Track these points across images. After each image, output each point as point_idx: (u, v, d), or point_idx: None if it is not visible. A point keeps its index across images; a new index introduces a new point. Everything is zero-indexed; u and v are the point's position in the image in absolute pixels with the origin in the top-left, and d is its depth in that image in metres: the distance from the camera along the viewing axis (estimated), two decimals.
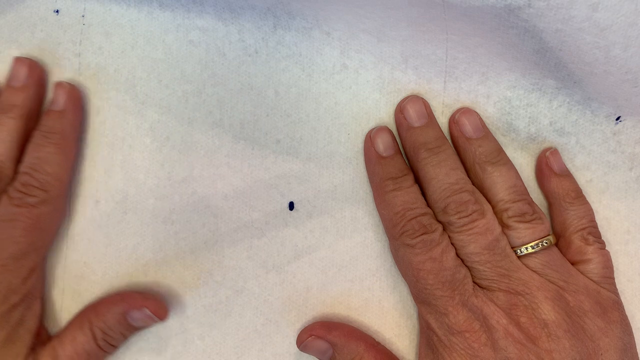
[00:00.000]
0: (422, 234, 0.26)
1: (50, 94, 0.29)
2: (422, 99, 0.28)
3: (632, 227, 0.29)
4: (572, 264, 0.27)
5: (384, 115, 0.29)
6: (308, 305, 0.29)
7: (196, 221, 0.29)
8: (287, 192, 0.29)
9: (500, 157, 0.27)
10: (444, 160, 0.26)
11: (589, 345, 0.25)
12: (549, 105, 0.28)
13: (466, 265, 0.26)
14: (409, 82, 0.28)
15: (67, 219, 0.29)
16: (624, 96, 0.27)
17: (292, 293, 0.29)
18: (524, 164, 0.29)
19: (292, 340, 0.28)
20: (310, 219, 0.29)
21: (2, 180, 0.27)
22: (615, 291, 0.27)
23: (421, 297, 0.26)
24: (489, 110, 0.28)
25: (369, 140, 0.28)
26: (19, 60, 0.28)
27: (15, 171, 0.27)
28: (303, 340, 0.27)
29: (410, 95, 0.28)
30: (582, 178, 0.28)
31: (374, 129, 0.28)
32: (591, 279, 0.26)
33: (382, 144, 0.27)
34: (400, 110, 0.28)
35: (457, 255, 0.26)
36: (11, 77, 0.28)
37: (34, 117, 0.28)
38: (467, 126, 0.27)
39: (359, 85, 0.29)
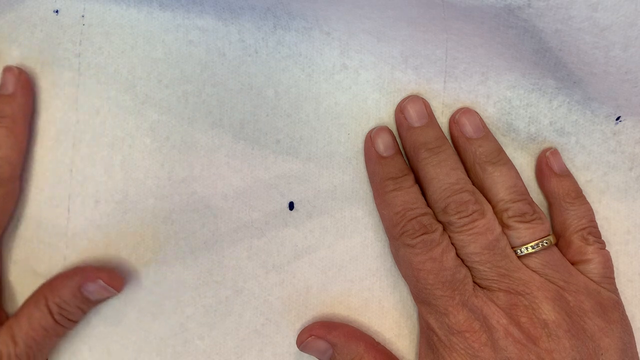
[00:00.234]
0: (422, 234, 0.26)
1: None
2: (423, 99, 0.28)
3: (632, 227, 0.29)
4: (572, 264, 0.27)
5: (384, 115, 0.29)
6: (308, 305, 0.29)
7: (196, 221, 0.29)
8: (287, 192, 0.29)
9: (500, 157, 0.27)
10: (444, 160, 0.27)
11: (589, 345, 0.25)
12: (549, 105, 0.28)
13: (466, 265, 0.26)
14: (409, 82, 0.28)
15: (66, 218, 0.29)
16: (624, 96, 0.27)
17: (292, 293, 0.29)
18: (524, 164, 0.29)
19: (292, 340, 0.28)
20: (310, 219, 0.29)
21: None
22: (615, 291, 0.27)
23: (421, 297, 0.26)
24: (489, 110, 0.28)
25: (369, 140, 0.28)
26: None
27: None
28: (303, 340, 0.27)
29: (411, 95, 0.28)
30: (582, 178, 0.28)
31: (374, 129, 0.28)
32: (591, 279, 0.26)
33: (383, 144, 0.27)
34: (400, 110, 0.28)
35: (457, 255, 0.26)
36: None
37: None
38: (468, 126, 0.27)
39: (359, 85, 0.29)
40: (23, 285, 0.29)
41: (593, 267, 0.26)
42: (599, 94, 0.27)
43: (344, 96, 0.29)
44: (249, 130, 0.29)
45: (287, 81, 0.29)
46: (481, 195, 0.27)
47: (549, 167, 0.28)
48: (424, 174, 0.27)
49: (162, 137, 0.29)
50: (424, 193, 0.27)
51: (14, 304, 0.29)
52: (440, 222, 0.26)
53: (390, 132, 0.28)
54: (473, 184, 0.27)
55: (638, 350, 0.26)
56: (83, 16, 0.29)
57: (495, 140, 0.28)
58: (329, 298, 0.29)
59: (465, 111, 0.28)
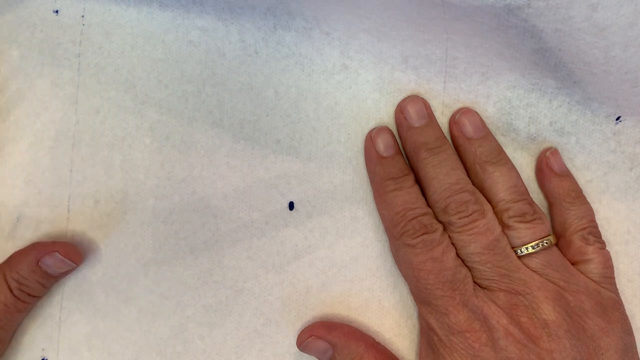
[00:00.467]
0: (422, 234, 0.26)
1: None
2: (423, 99, 0.28)
3: (632, 227, 0.29)
4: (573, 264, 0.27)
5: (384, 115, 0.29)
6: (308, 305, 0.29)
7: (196, 221, 0.29)
8: (287, 192, 0.29)
9: (500, 157, 0.27)
10: (444, 160, 0.27)
11: (589, 345, 0.24)
12: (549, 105, 0.28)
13: (467, 265, 0.26)
14: (409, 82, 0.28)
15: (66, 218, 0.29)
16: (624, 96, 0.27)
17: (292, 293, 0.29)
18: (524, 164, 0.29)
19: (292, 340, 0.28)
20: (310, 219, 0.29)
21: None
22: (615, 291, 0.27)
23: (422, 297, 0.26)
24: (489, 110, 0.28)
25: (370, 140, 0.28)
26: None
27: None
28: (303, 341, 0.27)
29: (411, 95, 0.28)
30: (582, 178, 0.28)
31: (374, 129, 0.28)
32: (591, 279, 0.26)
33: (383, 144, 0.27)
34: (400, 110, 0.28)
35: (458, 255, 0.26)
36: None
37: None
38: (468, 126, 0.27)
39: (359, 85, 0.29)
40: None
41: (593, 267, 0.26)
42: (599, 94, 0.27)
43: (344, 96, 0.29)
44: (249, 130, 0.29)
45: (287, 81, 0.29)
46: (481, 195, 0.27)
47: (549, 167, 0.28)
48: (424, 174, 0.27)
49: (162, 137, 0.29)
50: (424, 193, 0.27)
51: None
52: (440, 222, 0.26)
53: (391, 132, 0.28)
54: (473, 184, 0.27)
55: (638, 350, 0.26)
56: (83, 16, 0.29)
57: (496, 140, 0.28)
58: (329, 298, 0.29)
59: (465, 111, 0.28)
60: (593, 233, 0.27)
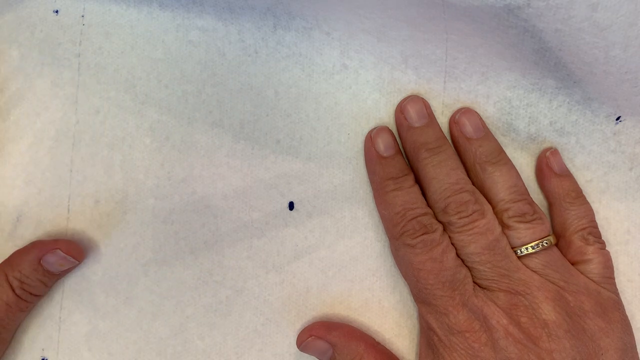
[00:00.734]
0: (422, 234, 0.26)
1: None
2: (423, 99, 0.28)
3: (632, 227, 0.29)
4: (573, 264, 0.27)
5: (384, 115, 0.29)
6: (308, 305, 0.29)
7: (196, 221, 0.29)
8: (287, 192, 0.29)
9: (500, 157, 0.27)
10: (444, 161, 0.27)
11: (589, 346, 0.24)
12: (549, 105, 0.28)
13: (466, 266, 0.26)
14: (409, 82, 0.28)
15: (66, 218, 0.29)
16: (624, 96, 0.27)
17: (292, 293, 0.29)
18: (524, 164, 0.29)
19: (292, 340, 0.28)
20: (310, 219, 0.29)
21: None
22: (615, 291, 0.27)
23: (421, 297, 0.26)
24: (489, 110, 0.28)
25: (370, 140, 0.28)
26: None
27: None
28: (303, 341, 0.27)
29: (411, 95, 0.28)
30: (582, 178, 0.28)
31: (374, 129, 0.28)
32: (591, 279, 0.26)
33: (383, 144, 0.27)
34: (400, 110, 0.28)
35: (458, 255, 0.26)
36: None
37: None
38: (468, 126, 0.27)
39: (359, 85, 0.29)
40: None
41: (593, 267, 0.26)
42: (599, 94, 0.27)
43: (344, 96, 0.29)
44: (249, 130, 0.29)
45: (287, 81, 0.29)
46: (481, 195, 0.27)
47: (549, 167, 0.28)
48: (424, 174, 0.27)
49: (162, 137, 0.29)
50: (424, 193, 0.27)
51: None
52: (440, 222, 0.26)
53: (391, 132, 0.28)
54: (473, 184, 0.27)
55: (638, 350, 0.26)
56: (83, 16, 0.29)
57: (496, 140, 0.28)
58: (329, 298, 0.29)
59: (465, 111, 0.28)
60: (593, 233, 0.27)
